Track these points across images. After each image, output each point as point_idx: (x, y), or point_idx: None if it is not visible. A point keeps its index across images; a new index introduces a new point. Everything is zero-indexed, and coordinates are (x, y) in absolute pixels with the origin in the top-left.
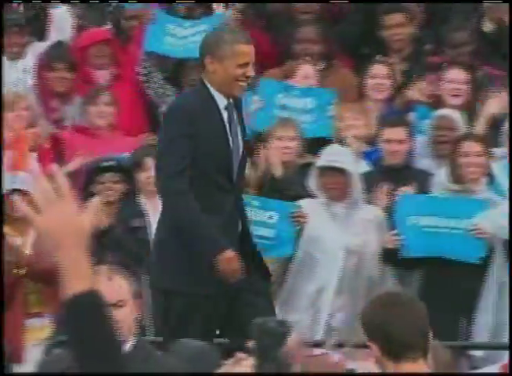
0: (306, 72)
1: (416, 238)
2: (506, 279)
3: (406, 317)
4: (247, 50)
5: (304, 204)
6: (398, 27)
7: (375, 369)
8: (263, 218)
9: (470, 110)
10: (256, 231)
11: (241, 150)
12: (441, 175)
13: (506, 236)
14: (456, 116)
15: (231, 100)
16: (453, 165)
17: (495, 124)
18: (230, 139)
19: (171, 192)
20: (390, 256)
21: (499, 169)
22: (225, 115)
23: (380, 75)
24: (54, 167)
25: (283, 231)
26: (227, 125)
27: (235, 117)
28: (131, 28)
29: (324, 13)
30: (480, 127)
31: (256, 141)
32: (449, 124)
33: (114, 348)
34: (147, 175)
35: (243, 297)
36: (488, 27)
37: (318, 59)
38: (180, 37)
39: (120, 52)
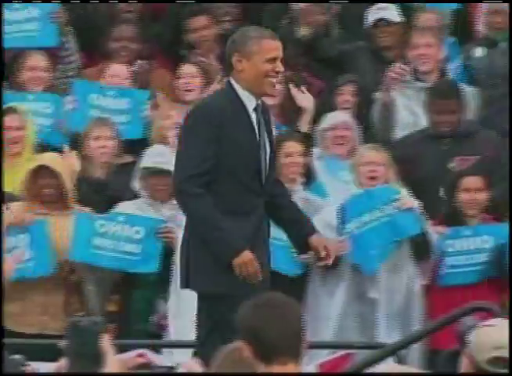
0: (115, 71)
1: None
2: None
3: (277, 320)
4: (274, 45)
5: (127, 206)
6: (202, 29)
7: (197, 368)
8: (129, 233)
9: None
10: (122, 247)
11: (269, 153)
12: None
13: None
14: None
15: (259, 102)
16: None
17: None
18: (259, 141)
19: (185, 195)
20: None
21: (321, 169)
22: (253, 117)
23: (188, 75)
24: None
25: (148, 247)
26: (256, 128)
27: (262, 119)
28: None
29: (145, 12)
30: (304, 126)
31: (73, 143)
32: None
33: None
34: None
35: None
36: (301, 30)
37: (135, 58)
38: (11, 21)
39: None
